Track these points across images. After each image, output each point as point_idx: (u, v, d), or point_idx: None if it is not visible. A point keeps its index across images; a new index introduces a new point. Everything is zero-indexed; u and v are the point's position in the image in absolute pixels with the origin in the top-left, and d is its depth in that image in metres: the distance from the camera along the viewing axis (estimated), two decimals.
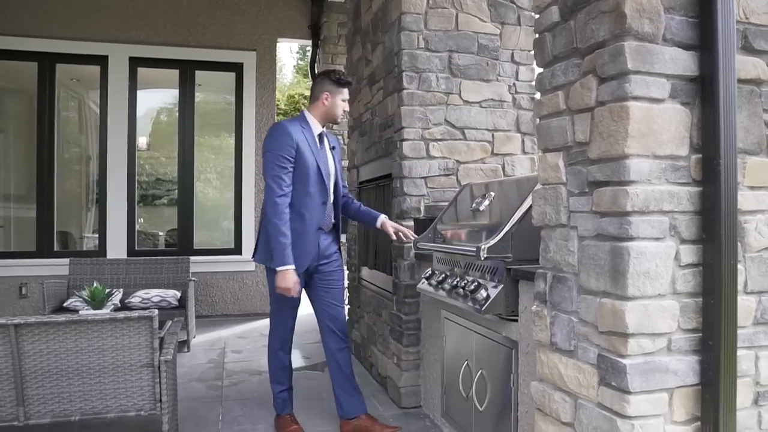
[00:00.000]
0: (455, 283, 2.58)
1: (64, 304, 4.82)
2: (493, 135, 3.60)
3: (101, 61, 6.06)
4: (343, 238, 4.80)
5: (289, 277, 2.82)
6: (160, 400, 2.57)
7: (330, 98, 3.02)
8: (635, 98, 1.53)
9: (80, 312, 3.43)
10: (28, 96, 6.14)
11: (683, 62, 1.57)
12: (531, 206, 2.31)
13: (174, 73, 6.19)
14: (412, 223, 3.42)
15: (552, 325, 1.87)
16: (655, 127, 1.54)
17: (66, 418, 2.53)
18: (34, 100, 6.04)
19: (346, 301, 5.68)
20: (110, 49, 6.04)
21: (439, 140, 3.48)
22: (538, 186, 1.95)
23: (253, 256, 3.19)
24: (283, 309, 3.12)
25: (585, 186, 1.72)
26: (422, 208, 3.45)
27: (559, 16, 1.84)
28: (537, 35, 1.96)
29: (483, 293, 2.38)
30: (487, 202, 2.69)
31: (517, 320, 2.31)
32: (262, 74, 6.33)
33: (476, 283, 2.40)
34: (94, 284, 3.81)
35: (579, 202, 1.75)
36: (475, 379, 2.61)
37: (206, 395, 3.71)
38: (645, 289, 1.53)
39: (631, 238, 1.53)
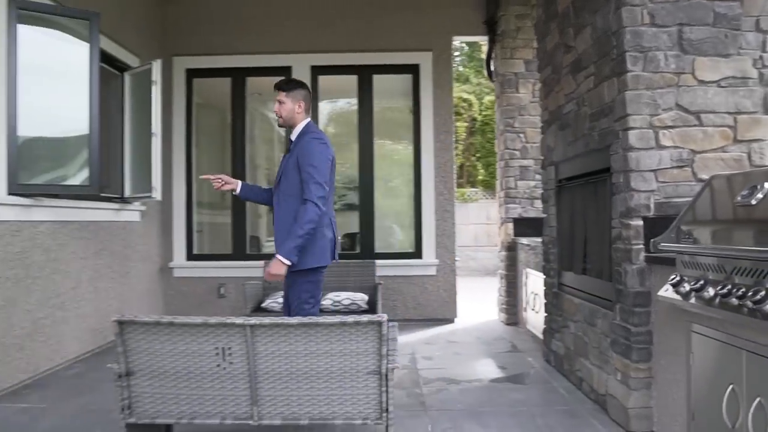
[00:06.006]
0: (727, 291, 2.15)
1: (262, 305, 5.04)
2: (735, 119, 3.07)
3: (285, 72, 6.32)
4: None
5: None
6: (386, 410, 2.47)
7: None
8: None
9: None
10: (222, 110, 6.63)
11: None
12: None
13: (352, 80, 6.29)
14: (640, 222, 3.02)
15: None
16: None
17: (295, 421, 2.52)
18: (227, 113, 6.50)
19: (542, 309, 5.29)
20: (293, 59, 6.29)
21: (670, 127, 3.04)
22: None
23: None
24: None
25: None
26: (652, 206, 3.03)
27: None
28: None
29: None
30: (760, 195, 2.23)
31: None
32: (439, 74, 6.20)
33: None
34: None
35: None
36: (752, 408, 2.16)
37: (409, 403, 3.59)
38: None
39: None
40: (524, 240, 5.74)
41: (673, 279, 2.56)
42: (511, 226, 6.04)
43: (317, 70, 6.30)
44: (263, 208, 7.35)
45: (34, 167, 4.02)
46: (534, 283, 5.29)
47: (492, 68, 6.48)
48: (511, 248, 6.12)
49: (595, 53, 3.44)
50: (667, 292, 2.61)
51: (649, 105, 3.03)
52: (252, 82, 6.48)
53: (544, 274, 4.57)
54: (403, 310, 6.18)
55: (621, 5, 3.05)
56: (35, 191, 4.01)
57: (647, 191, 3.03)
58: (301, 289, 3.14)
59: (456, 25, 6.27)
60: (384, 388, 2.45)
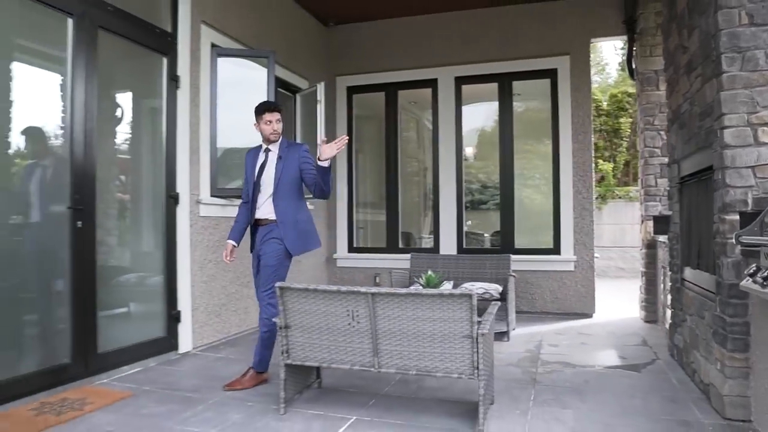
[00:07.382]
0: None
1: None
2: None
3: (432, 83, 7.05)
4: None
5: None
6: (477, 368, 3.00)
7: (257, 125, 3.91)
8: None
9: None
10: (378, 120, 7.53)
11: None
12: None
13: (493, 87, 6.77)
14: (737, 217, 3.15)
15: None
16: None
17: (406, 372, 3.16)
18: (382, 123, 7.38)
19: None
20: (439, 72, 6.98)
21: None
22: None
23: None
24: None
25: None
26: (750, 201, 3.15)
27: None
28: None
29: None
30: None
31: None
32: (577, 77, 6.42)
33: None
34: (428, 272, 4.52)
35: None
36: None
37: (521, 378, 4.03)
38: None
39: None
40: (663, 237, 5.73)
41: (750, 270, 2.73)
42: (650, 223, 6.05)
43: (460, 80, 6.91)
44: (417, 209, 8.15)
45: (227, 174, 5.18)
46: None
47: (634, 67, 6.50)
48: (651, 246, 6.12)
49: (701, 55, 3.58)
50: (747, 282, 2.78)
51: (746, 104, 3.15)
52: (402, 94, 7.29)
53: (670, 270, 4.66)
54: (542, 303, 6.50)
55: (718, 8, 3.21)
56: (229, 194, 5.16)
57: (744, 187, 3.15)
58: (278, 264, 3.85)
59: (593, 28, 6.43)
60: (475, 350, 2.99)
